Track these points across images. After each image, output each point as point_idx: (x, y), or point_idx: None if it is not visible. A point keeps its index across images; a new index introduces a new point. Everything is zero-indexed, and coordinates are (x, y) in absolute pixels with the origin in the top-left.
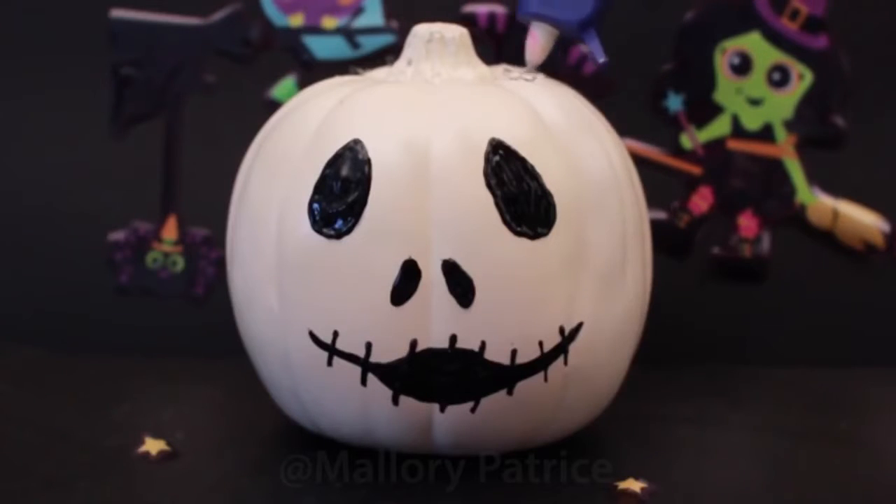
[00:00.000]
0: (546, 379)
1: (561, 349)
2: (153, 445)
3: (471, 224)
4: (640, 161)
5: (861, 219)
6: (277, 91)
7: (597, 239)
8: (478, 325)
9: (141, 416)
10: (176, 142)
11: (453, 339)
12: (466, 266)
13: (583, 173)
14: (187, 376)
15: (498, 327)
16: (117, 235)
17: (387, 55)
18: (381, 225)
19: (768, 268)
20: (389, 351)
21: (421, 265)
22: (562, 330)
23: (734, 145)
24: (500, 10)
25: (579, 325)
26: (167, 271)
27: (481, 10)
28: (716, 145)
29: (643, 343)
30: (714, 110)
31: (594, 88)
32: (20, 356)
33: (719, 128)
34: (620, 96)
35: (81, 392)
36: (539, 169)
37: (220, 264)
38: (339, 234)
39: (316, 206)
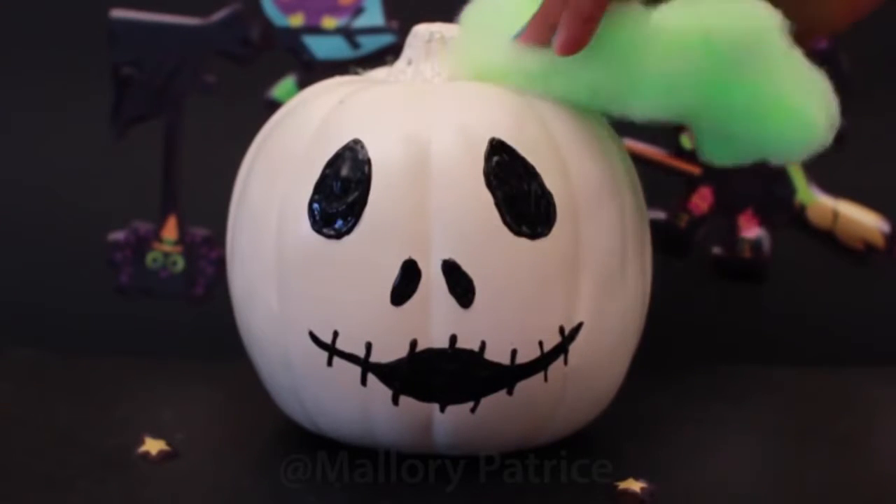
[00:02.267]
0: (546, 379)
1: (561, 349)
2: (153, 445)
3: (471, 224)
4: (640, 161)
5: (861, 219)
6: (277, 91)
7: (597, 239)
8: (478, 325)
9: (141, 416)
10: (176, 142)
11: (453, 339)
12: (466, 266)
13: (583, 173)
14: (187, 376)
15: (498, 327)
16: (117, 235)
17: (387, 55)
18: (381, 225)
19: (768, 268)
20: (389, 351)
21: (421, 265)
22: (562, 330)
23: None
24: None
25: (579, 325)
26: (167, 271)
27: None
28: None
29: (643, 343)
30: None
31: None
32: (20, 356)
33: None
34: None
35: (81, 392)
36: (539, 169)
37: (220, 264)
38: (339, 234)
39: (316, 205)
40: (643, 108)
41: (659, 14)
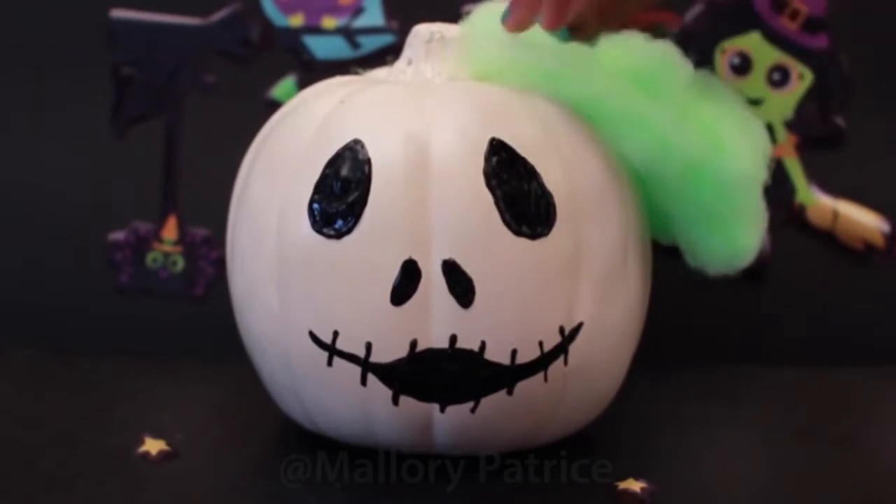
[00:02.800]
0: (546, 379)
1: (561, 349)
2: (153, 445)
3: (471, 224)
4: None
5: (861, 219)
6: (277, 91)
7: (597, 239)
8: (478, 325)
9: (141, 416)
10: (176, 142)
11: (453, 339)
12: (466, 266)
13: (583, 173)
14: (187, 376)
15: (498, 327)
16: (117, 235)
17: (387, 55)
18: (381, 225)
19: (768, 268)
20: (389, 351)
21: (421, 265)
22: (562, 330)
23: None
24: None
25: (579, 326)
26: (167, 271)
27: None
28: None
29: (644, 343)
30: None
31: None
32: (20, 356)
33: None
34: None
35: (81, 392)
36: (539, 168)
37: (220, 264)
38: (339, 234)
39: (316, 205)
40: (630, 147)
41: (690, 87)
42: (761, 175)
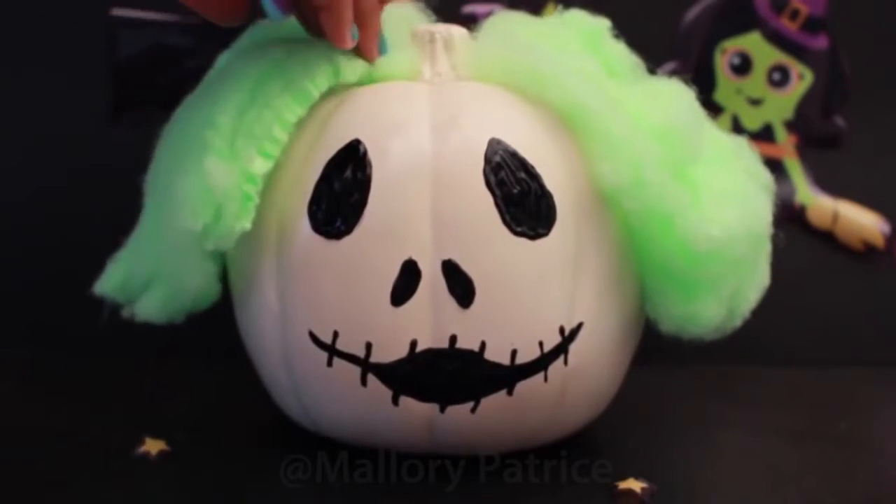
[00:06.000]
0: (546, 379)
1: (561, 349)
2: (153, 445)
3: (471, 224)
4: None
5: (861, 219)
6: None
7: (597, 239)
8: (478, 326)
9: (141, 416)
10: None
11: (453, 339)
12: (466, 266)
13: (583, 173)
14: (187, 376)
15: (498, 327)
16: (117, 236)
17: None
18: (381, 225)
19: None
20: (389, 351)
21: (421, 265)
22: (562, 330)
23: None
24: (500, 10)
25: (579, 326)
26: None
27: (481, 10)
28: None
29: (644, 343)
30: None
31: None
32: (20, 357)
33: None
34: None
35: (81, 392)
36: (539, 169)
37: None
38: (339, 234)
39: (316, 206)
40: (605, 168)
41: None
42: (738, 248)
